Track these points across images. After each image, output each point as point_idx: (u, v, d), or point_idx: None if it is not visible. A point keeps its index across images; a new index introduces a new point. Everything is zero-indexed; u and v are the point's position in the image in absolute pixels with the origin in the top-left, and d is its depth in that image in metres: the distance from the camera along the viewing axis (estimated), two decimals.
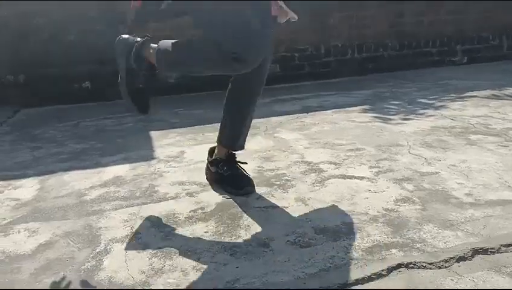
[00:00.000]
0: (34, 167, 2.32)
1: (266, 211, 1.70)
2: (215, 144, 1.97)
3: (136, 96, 1.81)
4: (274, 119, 3.02)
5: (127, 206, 1.80)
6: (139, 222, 1.67)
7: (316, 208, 1.71)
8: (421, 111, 3.07)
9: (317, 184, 1.93)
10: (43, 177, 2.17)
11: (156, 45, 1.74)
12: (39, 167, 2.31)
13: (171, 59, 1.70)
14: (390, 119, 2.91)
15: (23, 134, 2.97)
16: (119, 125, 3.09)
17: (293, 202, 1.77)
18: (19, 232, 1.64)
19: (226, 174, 1.89)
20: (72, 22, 3.73)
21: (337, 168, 2.10)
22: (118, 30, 3.80)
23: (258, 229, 1.57)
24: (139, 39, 1.80)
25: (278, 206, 1.74)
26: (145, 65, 1.77)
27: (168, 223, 1.64)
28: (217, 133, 1.97)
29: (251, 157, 2.28)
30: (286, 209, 1.71)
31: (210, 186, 1.95)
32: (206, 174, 2.00)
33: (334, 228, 1.55)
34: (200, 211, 1.73)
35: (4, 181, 2.14)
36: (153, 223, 1.65)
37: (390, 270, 1.30)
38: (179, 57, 1.68)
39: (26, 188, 2.04)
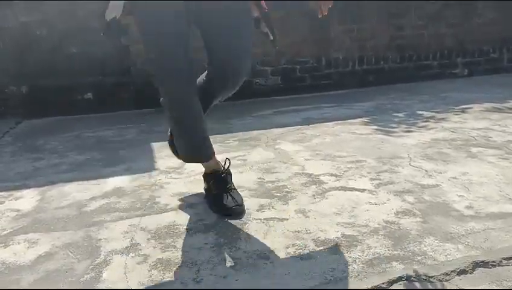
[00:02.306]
0: (35, 177, 2.32)
1: (266, 223, 1.70)
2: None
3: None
4: (275, 130, 3.03)
5: (127, 218, 1.79)
6: (139, 233, 1.67)
7: (316, 220, 1.71)
8: (422, 123, 3.08)
9: (318, 196, 1.93)
10: (43, 188, 2.17)
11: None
12: (40, 178, 2.31)
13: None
14: (391, 131, 2.92)
15: (25, 145, 2.97)
16: (120, 136, 3.10)
17: (294, 214, 1.77)
18: (18, 243, 1.64)
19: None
20: (75, 33, 3.76)
21: (338, 180, 2.10)
22: (120, 42, 3.84)
23: (258, 241, 1.57)
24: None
25: (279, 218, 1.73)
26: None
27: (169, 235, 1.64)
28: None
29: (252, 168, 2.28)
30: (286, 221, 1.71)
31: None
32: None
33: (334, 240, 1.55)
34: (200, 222, 1.73)
35: (5, 192, 2.14)
36: (153, 234, 1.65)
37: (391, 283, 1.29)
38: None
39: (27, 199, 2.04)
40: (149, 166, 2.42)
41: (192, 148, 1.84)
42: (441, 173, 2.13)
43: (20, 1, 3.62)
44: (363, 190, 1.97)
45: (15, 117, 3.71)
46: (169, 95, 1.71)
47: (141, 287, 1.33)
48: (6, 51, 3.69)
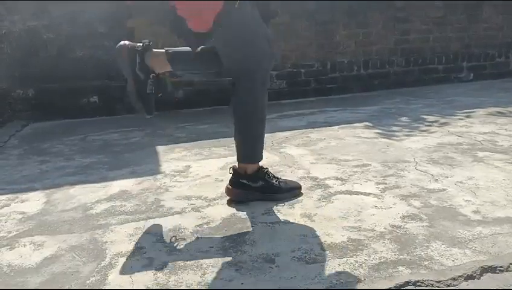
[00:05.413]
0: (41, 180, 2.33)
1: (272, 227, 1.70)
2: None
3: (144, 100, 1.86)
4: (280, 134, 3.03)
5: (132, 221, 1.80)
6: (145, 236, 1.67)
7: (322, 224, 1.70)
8: (428, 127, 3.07)
9: (324, 200, 1.92)
10: (49, 190, 2.18)
11: (162, 50, 1.83)
12: (46, 181, 2.32)
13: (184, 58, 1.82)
14: (396, 135, 2.91)
15: (31, 148, 2.99)
16: (125, 139, 3.11)
17: (299, 217, 1.76)
18: (24, 245, 1.64)
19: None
20: (81, 37, 3.79)
21: (343, 184, 2.09)
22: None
23: (264, 244, 1.56)
24: (139, 44, 1.84)
25: (284, 222, 1.73)
26: (150, 73, 1.84)
27: (174, 238, 1.64)
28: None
29: None
30: (292, 225, 1.70)
31: (215, 201, 1.95)
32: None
33: (340, 245, 1.54)
34: (205, 226, 1.73)
35: (11, 194, 2.15)
36: (159, 237, 1.65)
37: (397, 288, 1.28)
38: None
39: (33, 202, 2.05)
40: (154, 169, 2.42)
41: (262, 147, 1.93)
42: (447, 177, 2.12)
43: (28, 1, 3.64)
44: (368, 194, 1.96)
45: (21, 120, 3.73)
46: (265, 96, 1.84)
47: None
48: (13, 54, 3.72)
